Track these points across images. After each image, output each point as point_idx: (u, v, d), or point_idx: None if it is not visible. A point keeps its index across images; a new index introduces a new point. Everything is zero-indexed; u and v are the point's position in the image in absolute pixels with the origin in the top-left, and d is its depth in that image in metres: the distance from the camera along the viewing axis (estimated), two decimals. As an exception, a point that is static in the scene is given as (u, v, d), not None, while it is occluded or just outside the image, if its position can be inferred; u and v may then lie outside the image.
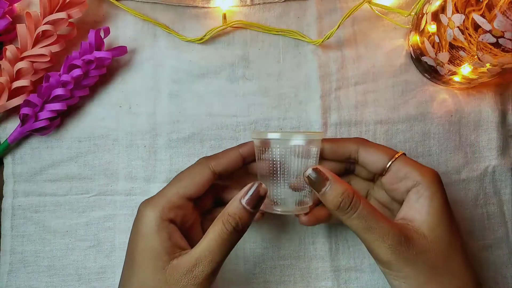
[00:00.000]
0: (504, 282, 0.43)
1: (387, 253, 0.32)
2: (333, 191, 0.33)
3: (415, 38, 0.43)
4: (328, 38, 0.43)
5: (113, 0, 0.44)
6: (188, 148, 0.43)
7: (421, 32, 0.42)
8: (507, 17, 0.31)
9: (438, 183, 0.34)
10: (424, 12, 0.41)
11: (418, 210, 0.33)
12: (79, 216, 0.43)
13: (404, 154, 0.36)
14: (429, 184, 0.34)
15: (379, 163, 0.36)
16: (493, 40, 0.33)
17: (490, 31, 0.33)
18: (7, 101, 0.42)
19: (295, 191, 0.36)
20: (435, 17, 0.39)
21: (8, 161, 0.44)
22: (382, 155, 0.36)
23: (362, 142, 0.37)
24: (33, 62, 0.42)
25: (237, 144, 0.40)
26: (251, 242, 0.43)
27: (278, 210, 0.36)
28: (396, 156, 0.35)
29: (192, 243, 0.34)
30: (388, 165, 0.35)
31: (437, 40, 0.39)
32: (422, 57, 0.43)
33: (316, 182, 0.34)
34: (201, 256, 0.32)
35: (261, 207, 0.34)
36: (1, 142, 0.43)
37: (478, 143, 0.44)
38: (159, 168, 0.43)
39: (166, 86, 0.44)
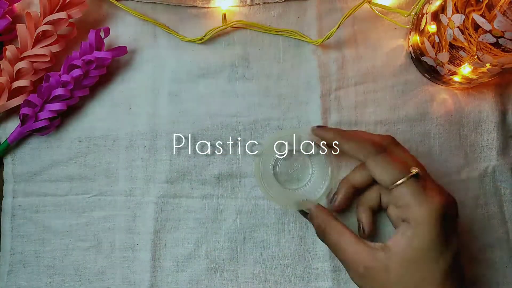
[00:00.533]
0: (505, 282, 0.43)
1: (353, 280, 0.36)
2: (312, 220, 0.38)
3: (415, 38, 0.43)
4: (328, 38, 0.43)
5: (113, 0, 0.44)
6: (188, 148, 0.43)
7: (421, 32, 0.42)
8: (507, 17, 0.31)
9: (430, 222, 0.33)
10: (424, 12, 0.41)
11: (398, 243, 0.34)
12: (79, 216, 0.43)
13: (416, 175, 0.34)
14: (416, 225, 0.33)
15: (384, 182, 0.35)
16: (493, 40, 0.33)
17: (490, 31, 0.33)
18: (7, 101, 0.42)
19: None
20: (435, 17, 0.39)
21: (8, 161, 0.44)
22: (388, 175, 0.35)
23: (372, 153, 0.35)
24: (33, 62, 0.42)
25: (237, 144, 0.41)
26: (251, 242, 0.43)
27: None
28: (399, 182, 0.34)
29: None
30: (390, 188, 0.35)
31: (437, 40, 0.39)
32: (422, 57, 0.43)
33: (305, 209, 0.39)
34: None
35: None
36: (1, 142, 0.43)
37: (478, 143, 0.44)
38: (159, 169, 0.43)
39: (166, 86, 0.44)
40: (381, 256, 0.33)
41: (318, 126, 0.39)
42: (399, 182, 0.34)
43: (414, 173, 0.34)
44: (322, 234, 0.37)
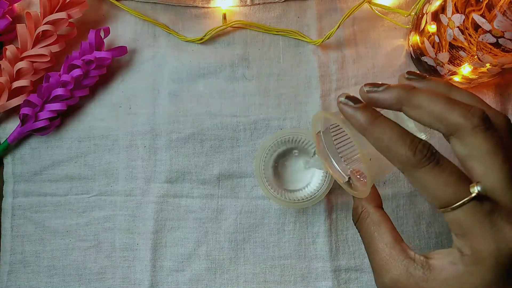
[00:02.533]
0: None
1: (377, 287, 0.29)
2: (354, 200, 0.32)
3: (415, 38, 0.43)
4: (328, 38, 0.43)
5: (113, 0, 0.44)
6: (188, 148, 0.43)
7: (421, 32, 0.42)
8: (507, 17, 0.31)
9: (493, 263, 0.23)
10: (424, 12, 0.41)
11: (443, 269, 0.25)
12: (79, 216, 0.43)
13: (476, 197, 0.23)
14: (474, 262, 0.24)
15: (432, 202, 0.25)
16: (493, 40, 0.33)
17: (490, 31, 0.33)
18: (7, 101, 0.42)
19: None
20: (435, 17, 0.39)
21: (8, 161, 0.44)
22: (436, 195, 0.25)
23: (411, 164, 0.25)
24: (33, 62, 0.42)
25: (237, 144, 0.40)
26: (251, 242, 0.43)
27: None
28: (454, 206, 0.24)
29: None
30: (441, 211, 0.25)
31: (437, 40, 0.39)
32: (422, 57, 0.43)
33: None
34: None
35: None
36: (1, 142, 0.43)
37: (478, 143, 0.44)
38: (159, 168, 0.43)
39: (166, 86, 0.44)
40: (418, 274, 0.26)
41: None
42: (455, 205, 0.24)
43: (474, 194, 0.23)
44: (356, 220, 0.31)
